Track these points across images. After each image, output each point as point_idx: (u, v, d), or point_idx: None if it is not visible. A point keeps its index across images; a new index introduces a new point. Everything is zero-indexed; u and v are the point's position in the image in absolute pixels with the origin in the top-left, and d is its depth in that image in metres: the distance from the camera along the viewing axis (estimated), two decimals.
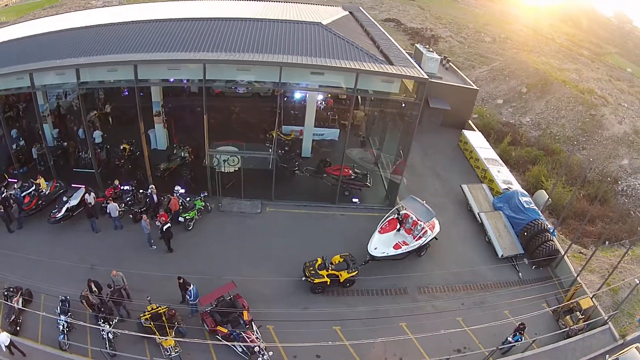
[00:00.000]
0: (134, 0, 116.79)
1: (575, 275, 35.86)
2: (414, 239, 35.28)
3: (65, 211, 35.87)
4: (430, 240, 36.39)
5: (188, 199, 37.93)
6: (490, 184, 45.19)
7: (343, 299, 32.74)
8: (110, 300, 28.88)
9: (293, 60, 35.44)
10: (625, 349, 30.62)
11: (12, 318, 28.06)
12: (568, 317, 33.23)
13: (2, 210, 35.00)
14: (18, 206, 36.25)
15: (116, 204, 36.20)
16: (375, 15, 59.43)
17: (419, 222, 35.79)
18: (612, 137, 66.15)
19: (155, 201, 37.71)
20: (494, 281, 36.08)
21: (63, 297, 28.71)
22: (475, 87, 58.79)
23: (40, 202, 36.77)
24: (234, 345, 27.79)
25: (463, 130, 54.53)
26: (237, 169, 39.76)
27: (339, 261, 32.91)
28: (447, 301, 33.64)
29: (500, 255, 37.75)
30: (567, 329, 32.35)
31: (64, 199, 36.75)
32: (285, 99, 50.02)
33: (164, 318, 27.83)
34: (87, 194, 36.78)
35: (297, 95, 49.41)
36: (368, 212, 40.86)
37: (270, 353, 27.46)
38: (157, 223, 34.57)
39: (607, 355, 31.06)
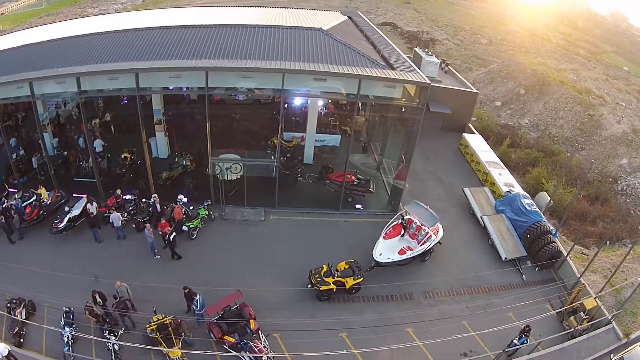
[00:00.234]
0: (133, 7, 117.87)
1: (579, 276, 36.11)
2: (418, 244, 35.32)
3: (68, 221, 35.61)
4: (435, 244, 36.50)
5: (191, 207, 37.80)
6: (492, 187, 45.31)
7: (349, 305, 32.72)
8: (115, 311, 28.68)
9: (296, 67, 35.45)
10: (630, 348, 30.92)
11: (16, 330, 27.87)
12: (572, 318, 33.39)
13: (3, 221, 34.73)
14: (19, 216, 35.94)
15: (119, 214, 36.04)
16: (371, 20, 59.56)
17: (423, 227, 35.89)
18: (610, 137, 66.40)
19: (159, 210, 37.53)
20: (498, 284, 36.20)
21: (67, 309, 28.62)
22: (475, 90, 58.79)
23: (41, 212, 36.55)
24: (242, 356, 27.57)
25: (464, 134, 54.64)
26: (239, 176, 39.55)
27: (345, 268, 32.96)
28: (452, 305, 33.65)
29: (503, 258, 37.91)
30: (572, 329, 32.44)
31: (66, 208, 36.49)
32: (286, 105, 50.11)
33: (170, 328, 27.58)
34: (89, 204, 36.62)
35: (298, 101, 49.25)
36: (371, 217, 40.87)
37: None
38: (159, 232, 34.75)
39: (612, 355, 31.31)
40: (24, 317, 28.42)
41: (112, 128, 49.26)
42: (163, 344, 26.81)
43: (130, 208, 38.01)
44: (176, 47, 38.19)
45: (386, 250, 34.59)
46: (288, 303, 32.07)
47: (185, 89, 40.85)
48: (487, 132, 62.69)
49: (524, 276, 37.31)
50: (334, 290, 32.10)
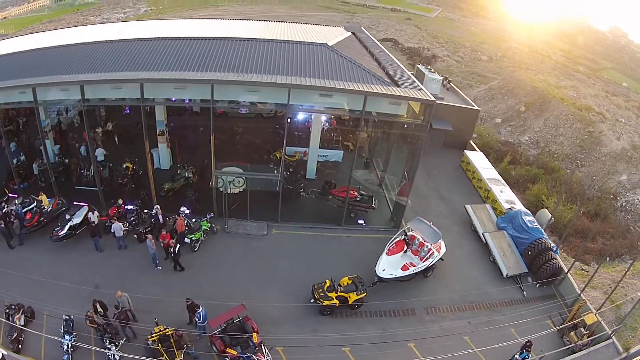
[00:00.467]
0: (135, 17, 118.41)
1: (579, 292, 36.29)
2: (420, 260, 35.51)
3: (68, 229, 35.52)
4: (437, 261, 36.67)
5: (194, 220, 37.89)
6: (494, 204, 45.55)
7: (351, 320, 32.79)
8: (116, 321, 28.60)
9: (302, 82, 35.54)
10: None
11: (14, 336, 27.76)
12: (572, 333, 33.54)
13: (3, 226, 34.70)
14: (19, 222, 35.93)
15: (120, 224, 36.05)
16: (372, 35, 59.96)
17: (426, 243, 36.05)
18: (610, 153, 66.68)
19: (161, 221, 37.59)
20: (500, 300, 36.35)
21: (67, 317, 28.50)
22: (476, 108, 59.07)
23: (42, 219, 36.43)
24: None
25: (465, 151, 54.89)
26: (241, 190, 39.74)
27: (348, 283, 33.09)
28: (454, 321, 33.78)
29: (505, 275, 38.07)
30: (572, 345, 32.68)
31: (67, 216, 36.44)
32: (289, 120, 50.36)
33: (171, 340, 27.46)
34: (90, 213, 36.61)
35: (301, 116, 49.50)
36: (374, 233, 40.97)
37: None
38: (161, 243, 34.88)
39: None
40: (22, 324, 28.42)
41: (116, 139, 49.33)
42: (165, 355, 26.76)
43: (132, 218, 38.11)
44: (181, 59, 38.26)
45: (389, 266, 34.74)
46: (291, 317, 32.07)
47: (187, 101, 40.75)
48: (488, 149, 62.90)
49: (525, 292, 37.43)
50: (337, 305, 32.15)
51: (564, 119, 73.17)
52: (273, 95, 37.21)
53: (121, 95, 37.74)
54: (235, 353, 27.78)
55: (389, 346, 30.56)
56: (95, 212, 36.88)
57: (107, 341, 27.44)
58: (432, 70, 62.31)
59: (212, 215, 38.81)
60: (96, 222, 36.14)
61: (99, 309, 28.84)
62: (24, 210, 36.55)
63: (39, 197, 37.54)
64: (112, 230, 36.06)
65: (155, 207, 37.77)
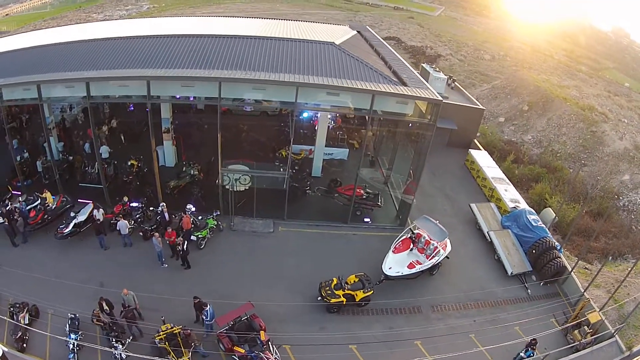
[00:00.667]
0: (138, 14, 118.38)
1: (583, 291, 36.46)
2: (426, 258, 35.68)
3: (73, 227, 35.41)
4: (443, 259, 36.85)
5: (200, 217, 37.86)
6: (498, 203, 45.67)
7: (358, 318, 32.92)
8: (123, 319, 28.60)
9: (309, 81, 35.55)
10: None
11: (19, 335, 27.61)
12: (576, 331, 33.76)
13: (7, 224, 34.62)
14: (23, 220, 35.78)
15: (126, 221, 35.93)
16: (376, 34, 60.06)
17: (432, 241, 36.23)
18: (613, 153, 66.69)
19: (167, 219, 37.47)
20: (504, 298, 36.52)
21: (72, 315, 28.44)
22: (481, 107, 59.10)
23: (46, 216, 36.32)
24: None
25: (470, 150, 55.02)
26: (247, 187, 39.83)
27: (355, 281, 33.16)
28: (460, 319, 33.95)
29: (509, 273, 38.27)
30: (576, 343, 32.89)
31: (72, 214, 36.38)
32: (294, 118, 50.41)
33: (179, 338, 27.39)
34: (95, 210, 36.46)
35: (307, 114, 49.65)
36: (380, 231, 41.04)
37: None
38: (167, 241, 34.90)
39: None
40: (26, 322, 28.35)
41: (122, 137, 49.17)
42: (172, 353, 26.72)
43: (138, 216, 37.98)
44: (187, 56, 38.21)
45: (395, 264, 34.91)
46: (297, 315, 32.11)
47: (192, 98, 40.63)
48: (491, 147, 62.68)
49: (529, 291, 37.61)
50: (344, 303, 32.29)
51: (567, 118, 73.22)
52: (281, 94, 37.34)
53: (127, 93, 37.96)
54: (243, 351, 27.69)
55: (396, 344, 30.52)
56: (101, 209, 36.78)
57: (114, 340, 27.30)
58: (437, 69, 62.38)
59: (219, 212, 38.75)
60: (101, 220, 36.12)
61: (105, 307, 28.73)
62: (27, 208, 36.38)
63: (43, 195, 37.49)
64: (117, 228, 35.98)
65: (161, 204, 37.64)
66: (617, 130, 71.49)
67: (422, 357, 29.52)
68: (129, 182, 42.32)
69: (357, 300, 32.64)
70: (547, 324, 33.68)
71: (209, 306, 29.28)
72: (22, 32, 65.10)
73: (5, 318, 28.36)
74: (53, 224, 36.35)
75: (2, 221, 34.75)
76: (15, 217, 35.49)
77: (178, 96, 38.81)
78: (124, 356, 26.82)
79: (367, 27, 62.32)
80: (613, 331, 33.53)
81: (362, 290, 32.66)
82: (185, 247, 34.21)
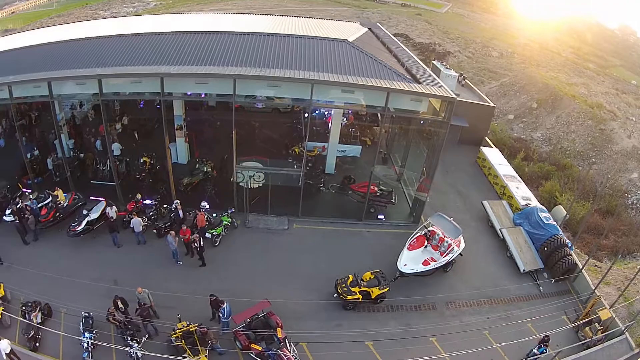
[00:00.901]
0: (145, 11, 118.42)
1: (593, 288, 36.62)
2: (440, 255, 35.88)
3: (86, 224, 35.38)
4: (456, 256, 37.04)
5: (214, 214, 37.89)
6: (510, 200, 45.78)
7: (373, 315, 33.06)
8: (138, 317, 28.52)
9: (325, 78, 35.56)
10: None
11: (31, 334, 27.34)
12: (587, 328, 33.94)
13: (17, 221, 34.56)
14: (34, 218, 35.70)
15: (140, 219, 35.96)
16: None
17: (446, 238, 36.41)
18: (621, 151, 67.01)
19: (181, 216, 37.33)
20: (517, 295, 36.68)
21: (86, 314, 28.27)
22: (491, 104, 59.25)
23: (58, 214, 36.23)
24: None
25: (481, 147, 55.08)
26: (261, 185, 39.84)
27: (370, 278, 33.30)
28: (474, 316, 34.12)
29: (522, 270, 38.43)
30: (587, 340, 32.97)
31: (84, 212, 36.24)
32: (306, 115, 50.40)
33: (195, 336, 27.25)
34: (108, 208, 36.44)
35: (319, 111, 49.66)
36: (393, 228, 41.25)
37: None
38: (181, 239, 34.86)
39: None
40: (39, 321, 28.16)
41: (136, 135, 49.17)
42: (188, 351, 26.55)
43: (151, 213, 38.02)
44: (200, 53, 38.32)
45: (410, 261, 35.10)
46: (313, 312, 32.26)
47: (203, 95, 40.64)
48: (501, 145, 62.90)
49: (541, 288, 37.77)
50: (360, 299, 32.39)
51: (576, 116, 73.51)
52: (295, 91, 37.18)
53: (139, 90, 37.66)
54: (260, 349, 27.73)
55: (412, 341, 30.61)
56: (114, 207, 36.72)
57: (129, 338, 27.21)
58: (448, 66, 62.45)
59: (233, 210, 38.82)
60: (115, 218, 36.09)
61: (120, 306, 28.67)
62: (39, 206, 36.41)
63: (55, 192, 37.39)
64: (131, 225, 35.99)
65: (175, 202, 37.59)
66: (625, 129, 71.80)
67: (438, 354, 29.58)
68: (142, 180, 42.26)
69: (372, 297, 32.66)
70: (558, 321, 33.94)
71: (225, 304, 29.18)
72: (28, 30, 65.15)
73: (17, 317, 28.34)
74: (64, 222, 36.39)
75: (13, 219, 34.78)
76: (26, 215, 35.46)
77: (189, 93, 38.84)
78: (139, 355, 26.72)
79: (378, 24, 62.27)
80: (623, 328, 33.70)
81: (377, 287, 32.74)
82: (201, 243, 34.25)
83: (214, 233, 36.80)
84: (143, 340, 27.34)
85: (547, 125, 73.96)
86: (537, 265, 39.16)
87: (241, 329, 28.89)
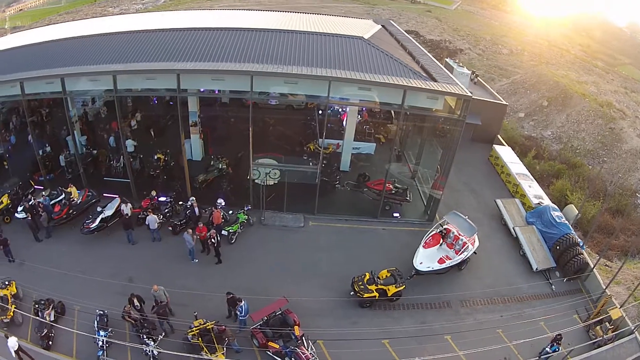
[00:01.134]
0: (154, 8, 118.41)
1: (604, 287, 36.83)
2: (456, 253, 36.14)
3: (100, 221, 35.52)
4: (471, 254, 37.27)
5: (230, 212, 38.07)
6: (522, 199, 45.87)
7: (389, 313, 33.32)
8: (154, 315, 28.64)
9: (342, 75, 35.71)
10: None
11: (44, 332, 27.35)
12: (598, 327, 34.16)
13: (30, 218, 34.64)
14: (47, 214, 35.78)
15: (155, 216, 36.05)
16: None
17: (460, 236, 36.66)
18: (631, 150, 67.06)
19: (197, 214, 37.40)
20: (529, 294, 36.92)
21: (101, 312, 28.36)
22: (504, 102, 59.17)
23: (71, 211, 36.38)
24: None
25: (494, 145, 55.13)
26: (276, 182, 40.11)
27: (387, 276, 33.60)
28: (488, 314, 34.35)
29: (534, 269, 38.66)
30: (598, 339, 33.19)
31: (98, 209, 36.39)
32: (320, 112, 50.59)
33: (212, 334, 27.32)
34: (123, 205, 36.61)
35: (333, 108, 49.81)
36: (409, 226, 41.48)
37: None
38: (197, 236, 34.97)
39: None
40: (52, 319, 28.04)
41: (152, 133, 49.12)
42: (205, 349, 26.65)
43: (166, 210, 38.19)
44: (214, 50, 38.44)
45: (426, 259, 35.33)
46: (330, 310, 32.51)
47: (216, 92, 40.56)
48: (512, 143, 62.63)
49: (553, 287, 38.02)
50: (377, 297, 32.63)
51: (586, 114, 73.47)
52: (312, 88, 37.38)
53: (153, 86, 38.08)
54: (277, 346, 27.89)
55: (427, 339, 31.02)
56: (129, 204, 36.85)
57: (145, 336, 27.27)
58: (461, 64, 62.48)
59: (250, 207, 38.99)
60: (129, 215, 36.18)
61: (136, 304, 28.83)
62: (52, 203, 36.59)
63: (68, 189, 37.67)
64: (146, 223, 36.09)
65: (190, 198, 37.74)
66: (635, 128, 71.87)
67: (453, 352, 29.98)
68: (156, 176, 42.50)
69: (389, 295, 32.97)
70: (570, 320, 34.28)
71: (243, 301, 29.28)
72: (37, 27, 65.25)
73: (29, 315, 28.22)
74: (78, 219, 36.55)
75: (25, 216, 34.98)
76: (38, 211, 35.60)
77: (202, 89, 38.96)
78: (155, 353, 26.77)
79: (392, 22, 62.30)
80: (633, 328, 33.90)
81: (394, 285, 33.02)
82: (218, 239, 34.45)
83: (230, 230, 36.88)
84: (160, 339, 27.59)
85: (557, 123, 73.93)
86: (550, 264, 39.38)
87: (258, 326, 29.07)
